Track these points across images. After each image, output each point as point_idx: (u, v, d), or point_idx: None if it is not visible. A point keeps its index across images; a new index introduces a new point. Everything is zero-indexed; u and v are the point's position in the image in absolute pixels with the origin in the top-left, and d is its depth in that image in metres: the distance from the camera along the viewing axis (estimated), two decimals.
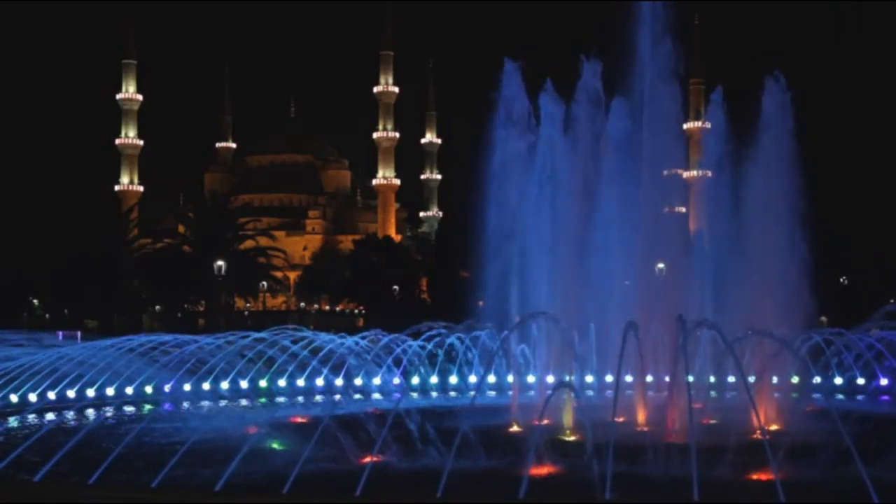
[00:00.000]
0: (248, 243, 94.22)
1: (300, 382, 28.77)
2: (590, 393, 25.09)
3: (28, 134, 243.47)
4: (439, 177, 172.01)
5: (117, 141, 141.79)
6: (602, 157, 25.50)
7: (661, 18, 24.98)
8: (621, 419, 18.39)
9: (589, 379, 26.21)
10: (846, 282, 76.28)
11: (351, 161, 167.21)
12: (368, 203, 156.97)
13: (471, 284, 32.85)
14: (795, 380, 24.39)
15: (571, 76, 25.68)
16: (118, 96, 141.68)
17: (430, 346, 28.00)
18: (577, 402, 18.39)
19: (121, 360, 26.63)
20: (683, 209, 30.33)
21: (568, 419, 19.55)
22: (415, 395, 28.65)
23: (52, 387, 25.24)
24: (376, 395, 28.32)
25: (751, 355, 20.49)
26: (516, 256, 25.17)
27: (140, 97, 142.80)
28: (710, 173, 27.44)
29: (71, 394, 25.45)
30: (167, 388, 26.38)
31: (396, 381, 28.89)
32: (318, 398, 27.85)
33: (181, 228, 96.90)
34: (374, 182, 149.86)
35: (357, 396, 27.89)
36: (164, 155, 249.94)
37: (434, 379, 30.01)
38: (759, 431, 16.48)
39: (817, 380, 28.11)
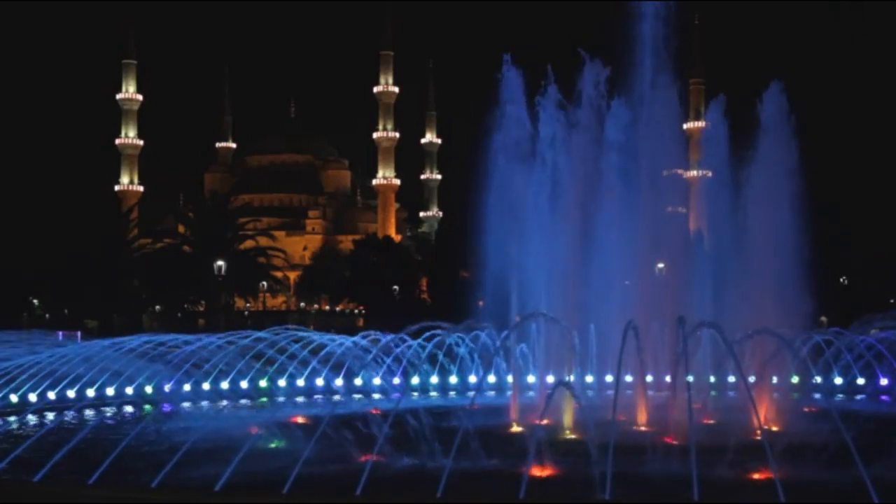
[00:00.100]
0: (248, 243, 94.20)
1: (300, 382, 28.78)
2: (590, 393, 25.09)
3: (28, 134, 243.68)
4: (439, 177, 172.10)
5: (117, 141, 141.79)
6: (602, 157, 25.49)
7: (661, 19, 24.99)
8: (621, 419, 18.38)
9: (589, 379, 26.23)
10: (846, 282, 76.26)
11: (351, 161, 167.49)
12: (368, 203, 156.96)
13: (471, 284, 32.86)
14: (795, 380, 24.40)
15: (572, 76, 25.68)
16: (118, 96, 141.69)
17: (430, 346, 28.01)
18: (577, 402, 18.39)
19: (121, 360, 26.63)
20: (683, 209, 30.33)
21: (568, 419, 19.55)
22: (415, 395, 28.67)
23: (52, 387, 25.23)
24: (376, 395, 28.32)
25: (751, 355, 20.48)
26: (516, 256, 25.16)
27: (140, 97, 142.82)
28: (710, 173, 27.43)
29: (71, 394, 25.45)
30: (167, 388, 26.37)
31: (396, 381, 28.90)
32: (318, 398, 27.85)
33: (181, 228, 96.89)
34: (374, 182, 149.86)
35: (357, 396, 27.90)
36: (164, 155, 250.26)
37: (434, 379, 30.04)
38: (759, 431, 16.48)
39: (817, 380, 28.11)
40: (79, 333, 47.55)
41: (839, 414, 14.40)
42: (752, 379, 19.72)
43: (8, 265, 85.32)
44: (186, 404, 26.10)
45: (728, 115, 27.04)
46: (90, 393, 25.84)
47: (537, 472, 14.41)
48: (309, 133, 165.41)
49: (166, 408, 25.68)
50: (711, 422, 20.09)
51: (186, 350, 27.18)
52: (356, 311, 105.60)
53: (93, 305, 79.54)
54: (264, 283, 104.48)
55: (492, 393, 27.70)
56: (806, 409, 23.01)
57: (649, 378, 21.95)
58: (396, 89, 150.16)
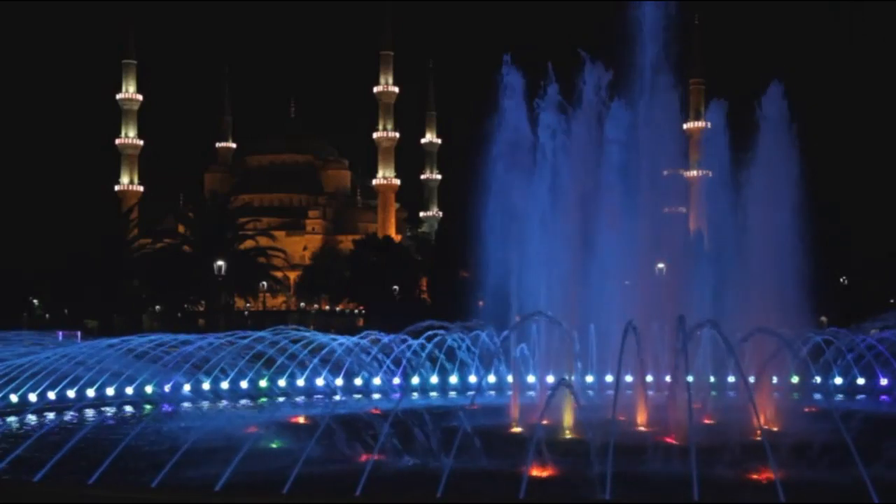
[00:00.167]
0: (248, 243, 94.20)
1: (300, 382, 28.78)
2: (590, 393, 25.10)
3: (28, 134, 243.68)
4: (439, 177, 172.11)
5: (117, 141, 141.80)
6: (602, 157, 25.49)
7: (661, 18, 24.97)
8: (621, 419, 18.38)
9: (589, 379, 26.24)
10: (846, 282, 76.27)
11: (351, 161, 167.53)
12: (368, 203, 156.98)
13: (471, 284, 32.87)
14: (795, 380, 24.40)
15: (572, 76, 25.68)
16: (118, 96, 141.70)
17: (430, 346, 28.03)
18: (577, 402, 18.39)
19: (121, 360, 26.63)
20: (683, 209, 30.31)
21: (568, 419, 19.54)
22: (415, 395, 28.67)
23: (52, 387, 25.23)
24: (376, 395, 28.32)
25: (751, 355, 20.48)
26: (516, 256, 25.16)
27: (140, 97, 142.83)
28: (710, 173, 27.42)
29: (71, 394, 25.45)
30: (167, 388, 26.37)
31: (396, 381, 28.90)
32: (318, 398, 27.85)
33: (181, 228, 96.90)
34: (374, 182, 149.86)
35: (357, 396, 27.91)
36: (164, 155, 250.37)
37: (434, 379, 30.04)
38: (759, 431, 16.48)
39: (817, 380, 28.11)
40: (79, 333, 47.62)
41: (839, 414, 14.40)
42: (752, 379, 19.71)
43: (8, 265, 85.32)
44: (186, 404, 26.11)
45: (728, 115, 27.05)
46: (90, 393, 25.84)
47: (537, 472, 14.41)
48: (309, 133, 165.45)
49: (166, 408, 25.68)
50: (711, 422, 20.07)
51: (186, 350, 27.19)
52: (356, 311, 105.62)
53: (93, 305, 79.56)
54: (264, 283, 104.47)
55: (492, 393, 27.69)
56: (806, 410, 23.01)
57: (649, 378, 21.95)
58: (396, 89, 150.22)
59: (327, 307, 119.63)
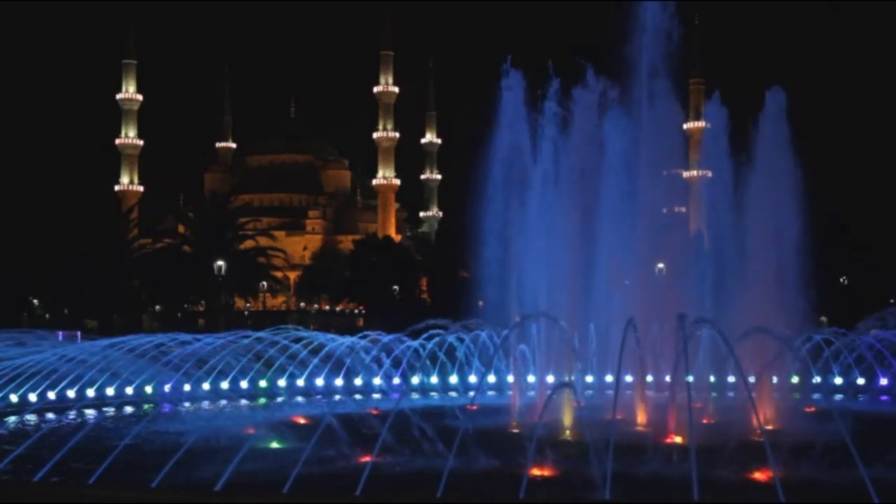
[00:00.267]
0: (248, 243, 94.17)
1: (300, 382, 28.78)
2: (590, 393, 25.10)
3: (28, 134, 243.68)
4: (439, 177, 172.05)
5: (117, 141, 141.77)
6: (602, 157, 25.50)
7: (661, 19, 24.98)
8: (621, 419, 18.38)
9: (589, 379, 26.24)
10: (846, 282, 76.24)
11: (351, 161, 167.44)
12: (368, 203, 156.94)
13: (471, 284, 32.84)
14: (795, 380, 24.40)
15: (572, 76, 25.70)
16: (118, 96, 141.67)
17: (430, 346, 28.02)
18: (577, 402, 18.39)
19: (121, 360, 26.62)
20: (683, 209, 30.34)
21: (568, 419, 19.55)
22: (415, 395, 28.67)
23: (52, 387, 25.24)
24: (376, 395, 28.32)
25: (751, 355, 20.48)
26: (516, 256, 25.17)
27: (140, 97, 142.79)
28: (710, 173, 27.44)
29: (71, 394, 25.45)
30: (167, 388, 26.37)
31: (396, 381, 28.90)
32: (318, 398, 27.85)
33: (181, 228, 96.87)
34: (374, 182, 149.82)
35: (357, 396, 27.91)
36: (164, 155, 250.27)
37: (434, 379, 30.04)
38: (759, 431, 16.48)
39: (817, 380, 28.11)
40: (79, 333, 47.56)
41: (839, 414, 14.40)
42: (752, 379, 19.72)
43: (8, 265, 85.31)
44: (186, 404, 26.11)
45: (728, 115, 27.07)
46: (90, 393, 25.85)
47: (537, 472, 14.41)
48: (309, 133, 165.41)
49: (166, 408, 25.69)
50: (711, 422, 20.08)
51: (186, 350, 27.19)
52: (356, 311, 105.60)
53: (93, 305, 79.55)
54: (264, 283, 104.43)
55: (492, 393, 27.70)
56: (806, 409, 23.01)
57: (649, 378, 21.95)
58: (396, 89, 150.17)
59: (327, 307, 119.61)
